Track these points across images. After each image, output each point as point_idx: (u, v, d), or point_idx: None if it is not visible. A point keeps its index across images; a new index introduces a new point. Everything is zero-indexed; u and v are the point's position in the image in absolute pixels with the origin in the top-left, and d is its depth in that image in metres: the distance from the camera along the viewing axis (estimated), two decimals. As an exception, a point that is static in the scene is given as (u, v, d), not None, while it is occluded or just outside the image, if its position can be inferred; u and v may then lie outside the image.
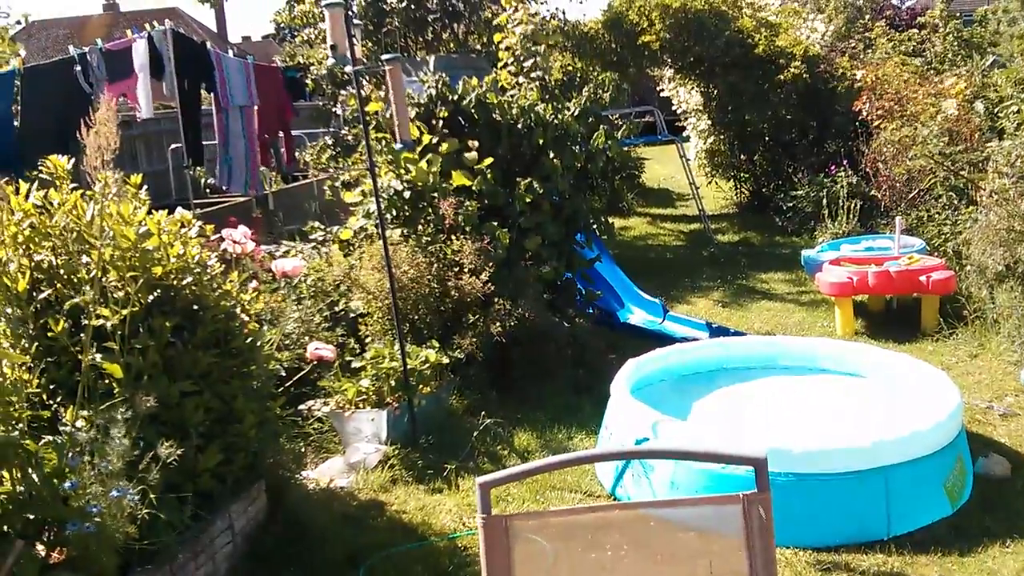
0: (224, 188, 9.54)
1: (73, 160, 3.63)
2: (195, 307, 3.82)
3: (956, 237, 8.15)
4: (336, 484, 4.87)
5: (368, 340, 5.93)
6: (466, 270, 6.05)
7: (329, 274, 6.38)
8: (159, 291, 3.66)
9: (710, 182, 14.88)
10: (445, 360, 5.66)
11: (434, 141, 6.80)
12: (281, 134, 10.96)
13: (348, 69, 5.32)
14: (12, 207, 3.51)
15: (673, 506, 2.54)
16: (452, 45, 13.23)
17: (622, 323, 8.10)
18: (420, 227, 6.41)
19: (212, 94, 9.10)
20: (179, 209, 4.16)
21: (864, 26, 14.41)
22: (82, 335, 3.36)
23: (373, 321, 6.02)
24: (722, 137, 14.28)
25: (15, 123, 7.59)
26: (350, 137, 10.69)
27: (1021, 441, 5.24)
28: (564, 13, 11.64)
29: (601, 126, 8.08)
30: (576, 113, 7.76)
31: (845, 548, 4.11)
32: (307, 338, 5.56)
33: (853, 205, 10.61)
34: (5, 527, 2.96)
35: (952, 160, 8.96)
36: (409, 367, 5.36)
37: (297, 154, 11.60)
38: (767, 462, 2.19)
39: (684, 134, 15.85)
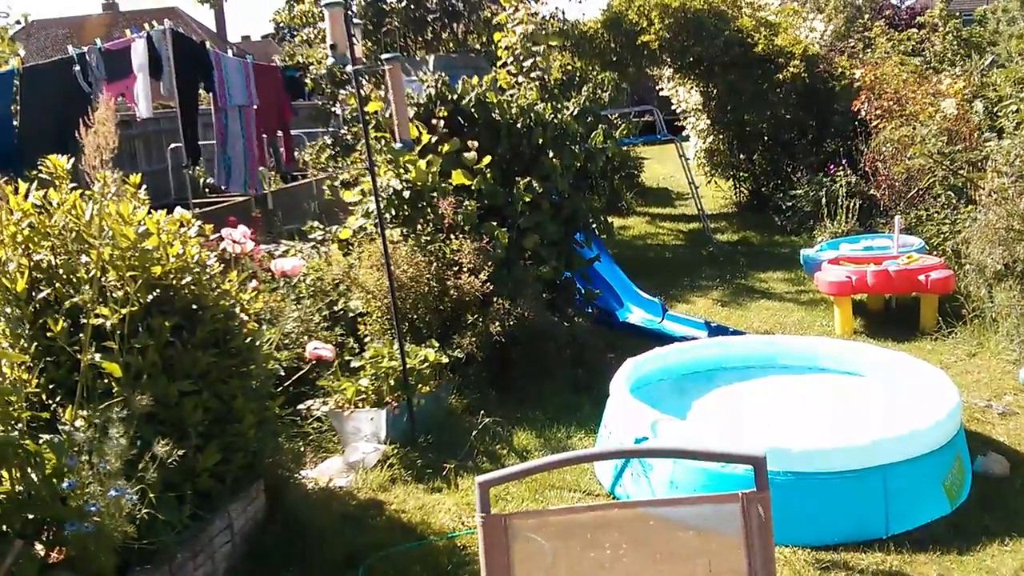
0: (223, 188, 9.54)
1: (72, 160, 3.63)
2: (194, 307, 3.82)
3: (955, 236, 8.15)
4: (335, 483, 4.87)
5: (367, 339, 5.93)
6: (465, 269, 6.05)
7: (328, 273, 6.38)
8: (158, 291, 3.66)
9: (709, 181, 14.88)
10: (444, 359, 5.66)
11: (433, 140, 6.80)
12: (280, 133, 10.97)
13: (348, 68, 5.32)
14: (11, 207, 3.51)
15: (672, 505, 2.54)
16: (452, 45, 13.22)
17: (621, 322, 8.10)
18: (419, 226, 6.41)
19: (211, 94, 9.11)
20: (178, 209, 4.16)
21: (863, 25, 14.41)
22: (81, 335, 3.36)
23: (372, 320, 6.02)
24: (721, 136, 14.28)
25: (14, 123, 7.60)
26: (349, 136, 10.69)
27: (1020, 440, 5.24)
28: (564, 13, 11.63)
29: (600, 125, 8.08)
30: (575, 112, 7.76)
31: (844, 547, 4.11)
32: (306, 337, 5.57)
33: (852, 204, 10.62)
34: (4, 527, 2.95)
35: (951, 159, 8.96)
36: (408, 366, 5.36)
37: (296, 153, 11.61)
38: (766, 461, 2.20)
39: (683, 133, 15.86)
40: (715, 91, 13.54)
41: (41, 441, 3.08)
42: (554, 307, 6.91)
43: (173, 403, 3.58)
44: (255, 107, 9.71)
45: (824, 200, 11.04)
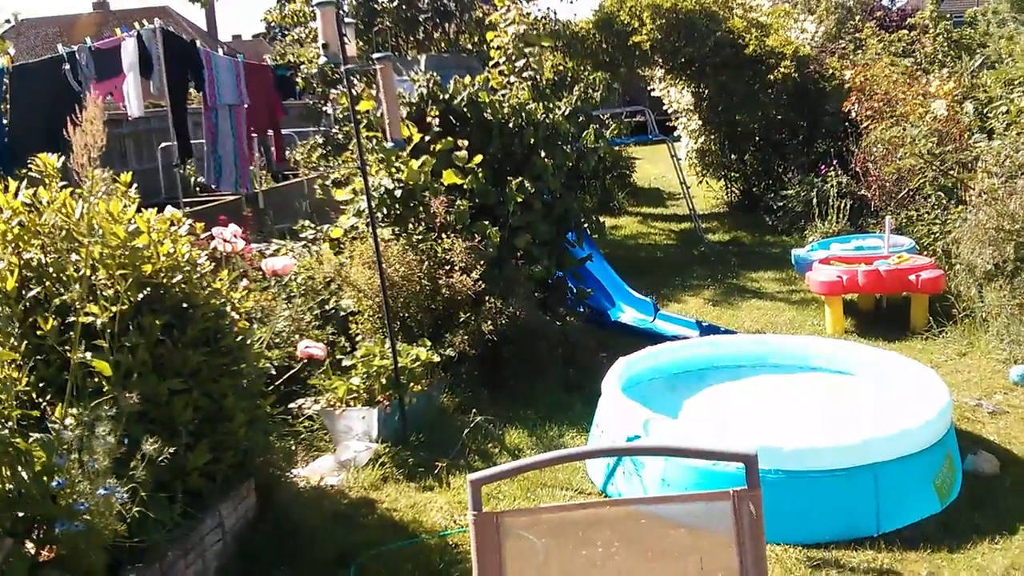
0: (214, 187, 9.53)
1: (62, 158, 3.61)
2: (185, 305, 3.81)
3: (945, 236, 8.19)
4: (326, 482, 4.86)
5: (359, 338, 5.92)
6: (457, 268, 6.05)
7: (320, 272, 6.37)
8: (149, 289, 3.65)
9: (701, 182, 14.91)
10: (436, 358, 5.65)
11: (426, 140, 6.79)
12: (271, 133, 10.95)
13: (340, 68, 5.31)
14: (1, 205, 3.50)
15: (664, 503, 2.54)
16: (443, 44, 13.21)
17: (613, 321, 8.11)
18: (411, 225, 6.40)
19: (201, 93, 9.09)
20: (169, 207, 4.15)
21: (854, 27, 14.45)
22: (71, 333, 3.35)
23: (364, 319, 6.02)
24: (712, 137, 14.31)
25: (4, 121, 7.57)
26: (340, 136, 10.67)
27: (1010, 438, 5.27)
28: (555, 13, 11.65)
29: (592, 125, 8.08)
30: (567, 112, 7.77)
31: (835, 544, 4.12)
32: (297, 336, 5.56)
33: (843, 204, 10.65)
34: (-6, 525, 2.95)
35: (941, 160, 8.99)
36: (400, 365, 5.36)
37: (287, 153, 11.59)
38: (757, 459, 2.20)
39: (675, 134, 15.87)
40: (706, 92, 13.56)
41: (31, 439, 3.06)
42: (546, 306, 6.91)
43: (163, 402, 3.57)
44: (245, 106, 9.69)
45: (815, 200, 11.07)
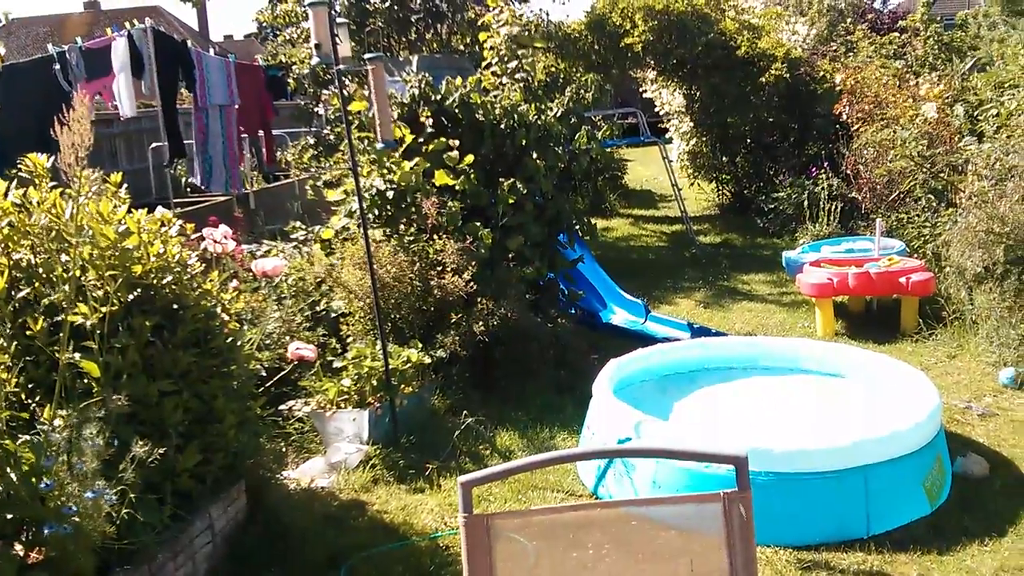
0: (203, 187, 9.50)
1: (53, 159, 3.60)
2: (175, 306, 3.79)
3: (935, 239, 8.21)
4: (317, 484, 4.85)
5: (350, 340, 5.91)
6: (449, 269, 6.04)
7: (310, 273, 6.36)
8: (139, 290, 3.64)
9: (692, 184, 14.92)
10: (427, 360, 5.64)
11: (418, 141, 6.79)
12: (261, 133, 10.93)
13: (332, 68, 5.30)
14: (-10, 205, 3.48)
15: (654, 505, 2.54)
16: (435, 45, 13.21)
17: (604, 323, 8.12)
18: (402, 226, 6.40)
19: (192, 93, 9.06)
20: (159, 208, 4.14)
21: (846, 29, 14.50)
22: (61, 334, 3.34)
23: (355, 321, 6.00)
24: (704, 139, 14.33)
25: (-7, 121, 7.53)
26: (332, 136, 10.65)
27: (999, 441, 5.28)
28: (548, 14, 11.65)
29: (584, 127, 8.09)
30: (559, 114, 7.77)
31: (825, 547, 4.13)
32: (288, 338, 5.54)
33: (834, 207, 10.68)
34: (-17, 527, 2.93)
35: (931, 163, 9.03)
36: (391, 367, 5.34)
37: (278, 153, 11.56)
38: (747, 461, 2.20)
39: (667, 136, 15.90)
40: (698, 93, 13.58)
41: (20, 441, 3.05)
42: (537, 308, 6.91)
43: (153, 403, 3.55)
44: (236, 106, 9.67)
45: (806, 202, 11.10)
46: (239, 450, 4.11)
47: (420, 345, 5.71)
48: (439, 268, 6.09)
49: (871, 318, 8.06)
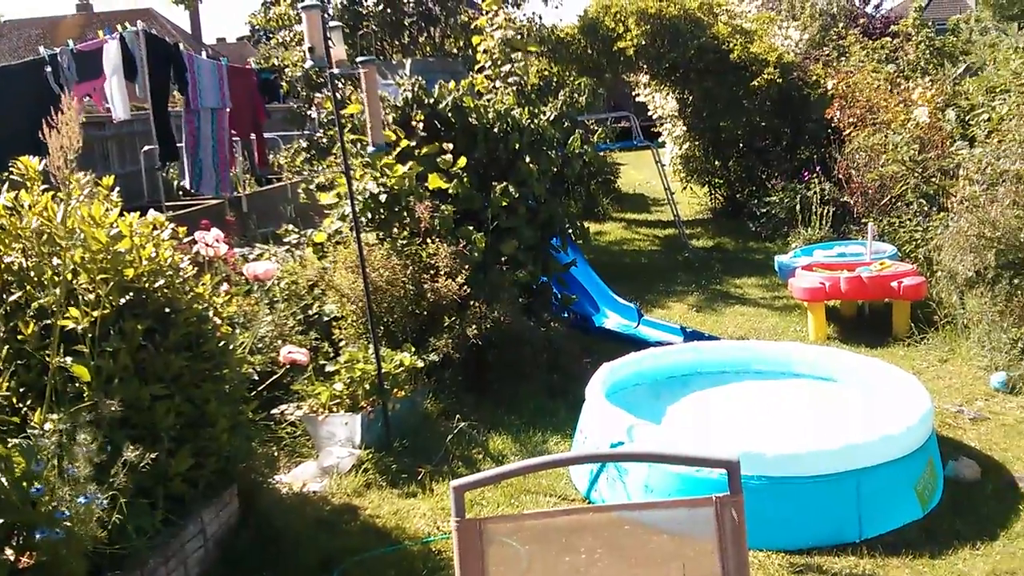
0: (193, 190, 9.49)
1: (44, 162, 3.59)
2: (167, 310, 3.78)
3: (927, 243, 8.24)
4: (309, 488, 4.84)
5: (342, 344, 5.90)
6: (442, 273, 6.04)
7: (303, 277, 6.35)
8: (131, 294, 3.63)
9: (685, 188, 14.95)
10: (420, 364, 5.64)
11: (411, 144, 6.78)
12: (253, 136, 10.91)
13: (325, 71, 5.30)
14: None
15: (647, 509, 2.54)
16: (428, 49, 13.21)
17: (597, 327, 8.12)
18: (395, 230, 6.39)
19: (183, 96, 9.05)
20: (151, 211, 4.13)
21: (838, 33, 14.54)
22: (52, 338, 3.32)
23: (347, 324, 6.00)
24: (697, 143, 14.35)
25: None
26: (324, 140, 10.65)
27: (991, 445, 5.30)
28: (541, 18, 11.66)
29: (577, 131, 8.09)
30: (552, 118, 7.77)
31: (817, 550, 4.13)
32: (280, 341, 5.53)
33: (826, 211, 10.70)
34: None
35: (923, 167, 9.05)
36: (384, 371, 5.34)
37: (271, 156, 11.55)
38: (739, 465, 2.20)
39: (659, 140, 15.92)
40: (691, 98, 13.61)
41: (11, 445, 3.04)
42: (530, 311, 6.91)
43: (145, 407, 3.54)
44: (227, 110, 9.66)
45: (798, 207, 11.12)
46: (231, 454, 4.10)
47: (413, 349, 5.70)
48: (432, 272, 6.09)
49: (863, 322, 8.07)
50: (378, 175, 6.47)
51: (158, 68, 8.56)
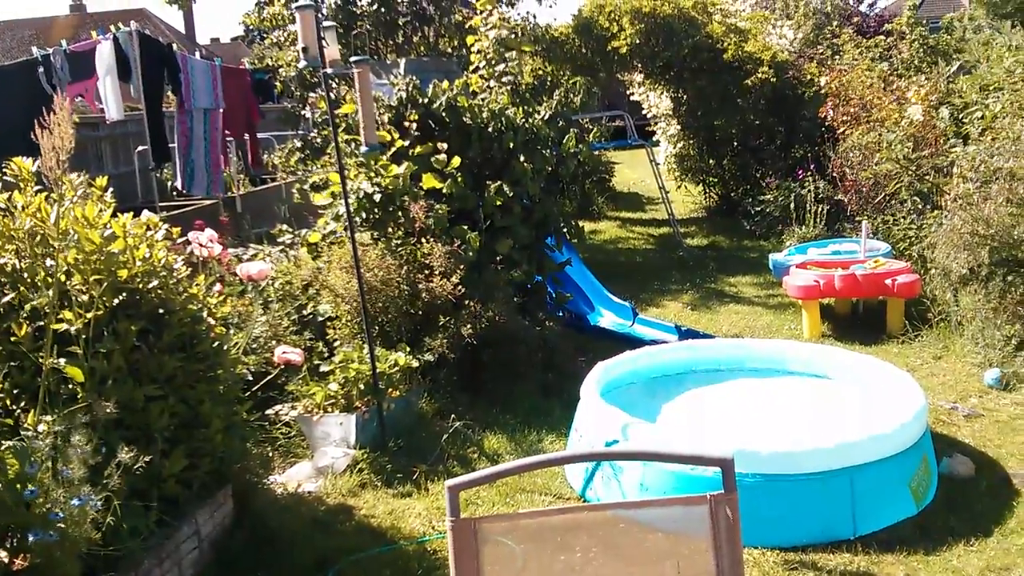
0: (185, 191, 9.47)
1: (38, 162, 3.58)
2: (161, 311, 3.78)
3: (921, 241, 8.26)
4: (304, 489, 4.83)
5: (336, 344, 5.89)
6: (436, 273, 6.04)
7: (297, 277, 6.34)
8: (124, 294, 3.62)
9: (679, 186, 14.97)
10: (415, 363, 5.64)
11: (406, 144, 6.78)
12: (247, 136, 10.90)
13: (319, 71, 5.29)
14: (-27, 209, 3.46)
15: (642, 507, 2.54)
16: (422, 48, 13.20)
17: (592, 326, 8.12)
18: (390, 230, 6.39)
19: (177, 96, 9.03)
20: (145, 212, 4.12)
21: (832, 32, 14.56)
22: (45, 339, 3.32)
23: (342, 324, 5.99)
24: (691, 142, 14.38)
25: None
26: (318, 139, 10.64)
27: (985, 442, 5.31)
28: (535, 18, 11.67)
29: (571, 130, 8.10)
30: (547, 117, 7.78)
31: (812, 548, 4.14)
32: (274, 342, 5.52)
33: (820, 209, 10.73)
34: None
35: (917, 165, 9.07)
36: (378, 370, 5.33)
37: (265, 157, 11.53)
38: (734, 463, 2.21)
39: (654, 138, 15.94)
40: (685, 96, 13.62)
41: (4, 447, 3.03)
42: (525, 310, 6.91)
43: (139, 408, 3.53)
44: (221, 110, 9.64)
45: (792, 205, 11.15)
46: (226, 455, 4.09)
47: (408, 348, 5.70)
48: (427, 271, 6.08)
49: (857, 320, 8.09)
50: (372, 175, 6.46)
51: (152, 69, 8.53)
